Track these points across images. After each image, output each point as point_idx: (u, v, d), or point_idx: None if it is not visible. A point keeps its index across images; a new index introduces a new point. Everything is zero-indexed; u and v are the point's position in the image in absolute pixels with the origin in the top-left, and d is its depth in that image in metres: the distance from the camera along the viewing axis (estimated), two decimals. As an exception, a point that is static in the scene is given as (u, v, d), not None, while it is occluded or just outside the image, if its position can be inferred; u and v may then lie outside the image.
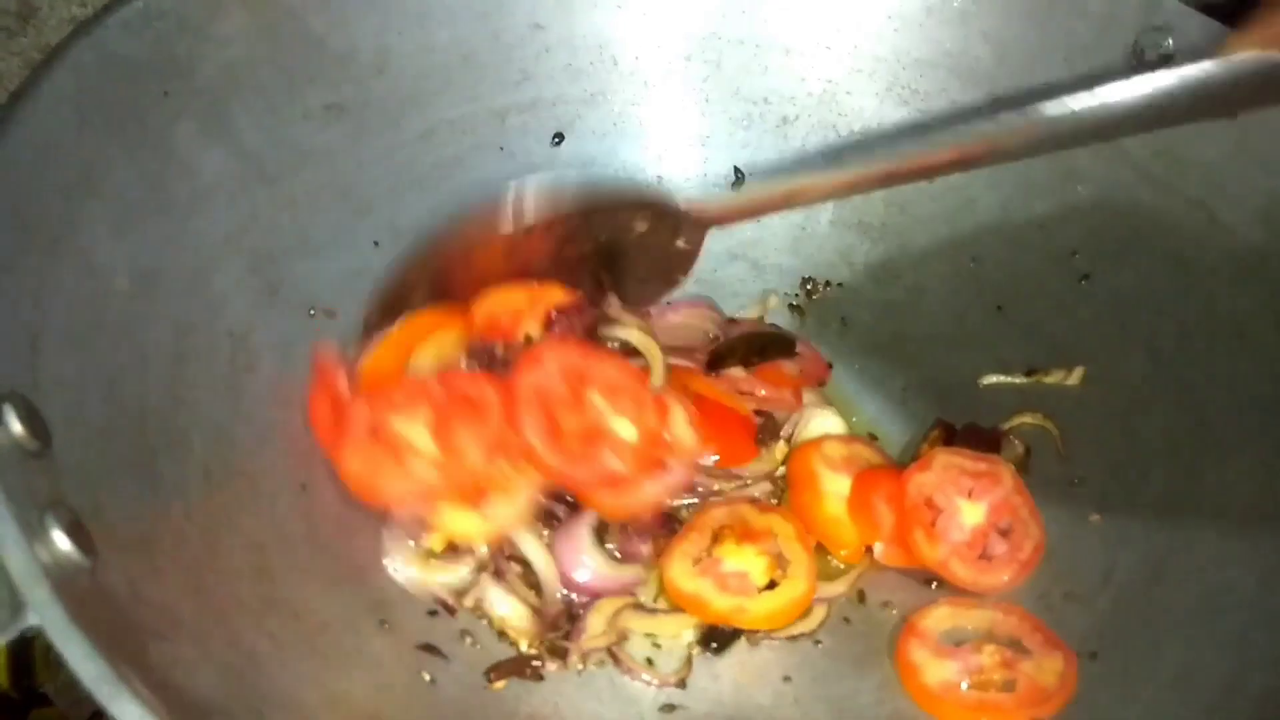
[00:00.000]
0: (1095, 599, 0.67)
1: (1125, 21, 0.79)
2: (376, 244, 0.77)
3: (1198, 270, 0.76)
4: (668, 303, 0.84)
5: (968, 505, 0.70)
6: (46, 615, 0.38)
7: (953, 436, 0.76)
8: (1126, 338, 0.77)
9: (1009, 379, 0.80)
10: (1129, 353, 0.76)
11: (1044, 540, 0.69)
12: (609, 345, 0.76)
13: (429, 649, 0.61)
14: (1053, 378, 0.79)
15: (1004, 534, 0.69)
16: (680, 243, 0.80)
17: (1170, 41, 0.78)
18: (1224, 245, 0.75)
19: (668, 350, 0.77)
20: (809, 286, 0.87)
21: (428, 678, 0.59)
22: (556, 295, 0.75)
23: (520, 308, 0.75)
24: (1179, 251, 0.77)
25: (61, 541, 0.43)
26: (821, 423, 0.77)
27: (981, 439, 0.75)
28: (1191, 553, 0.66)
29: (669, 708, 0.63)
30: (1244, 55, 0.59)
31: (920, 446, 0.77)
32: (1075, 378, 0.79)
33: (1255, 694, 0.57)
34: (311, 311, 0.72)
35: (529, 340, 0.73)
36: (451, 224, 0.78)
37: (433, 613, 0.64)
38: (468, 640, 0.63)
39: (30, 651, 0.71)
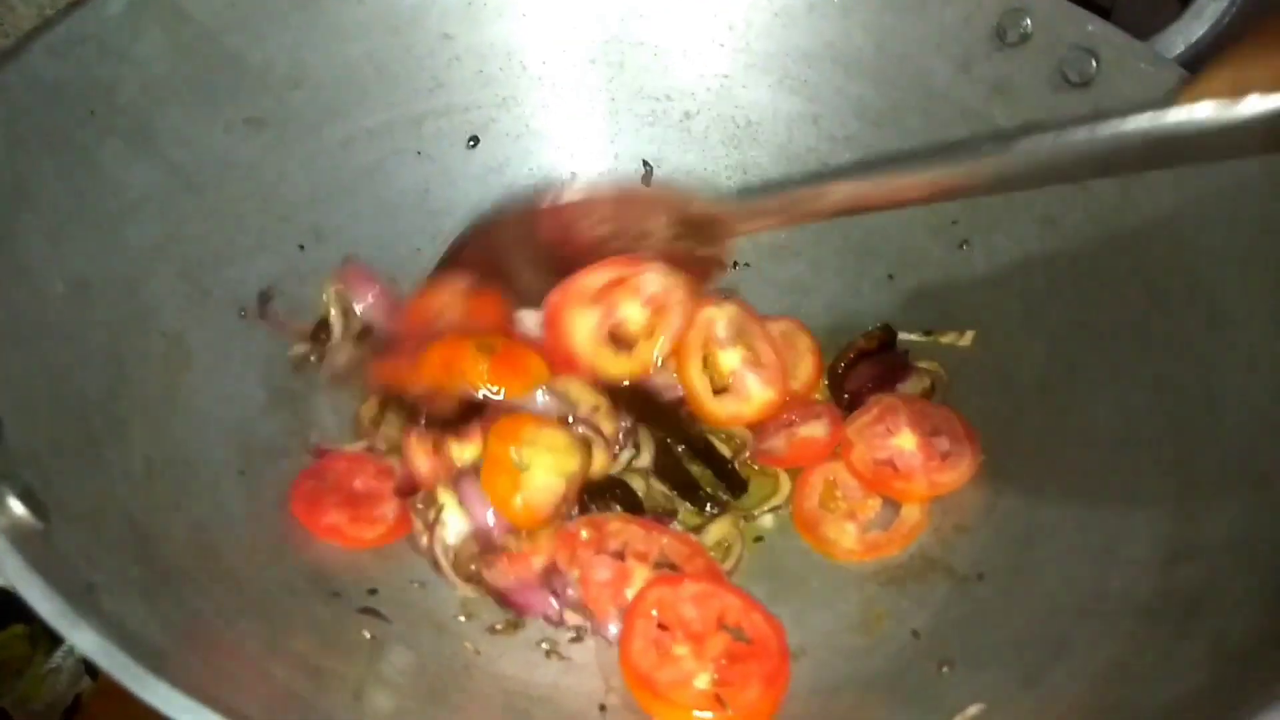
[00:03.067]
0: (981, 528, 0.73)
1: (988, 6, 0.86)
2: (301, 247, 0.82)
3: (1063, 228, 0.82)
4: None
5: (898, 440, 0.76)
6: (6, 564, 0.42)
7: (892, 339, 0.84)
8: (1002, 294, 0.83)
9: (909, 336, 0.86)
10: (1006, 308, 0.83)
11: (969, 423, 0.77)
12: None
13: (370, 612, 0.66)
14: (947, 338, 0.86)
15: (937, 434, 0.76)
16: (703, 250, 0.81)
17: (1029, 22, 0.85)
18: (1084, 204, 0.82)
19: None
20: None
21: (368, 635, 0.63)
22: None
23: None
24: (1046, 213, 0.83)
25: (16, 507, 0.47)
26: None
27: (897, 362, 0.83)
28: (1064, 480, 0.72)
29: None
30: (1204, 104, 0.58)
31: (857, 341, 0.84)
32: (967, 339, 0.85)
33: (1117, 593, 0.63)
34: (241, 312, 0.76)
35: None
36: (496, 210, 0.84)
37: (373, 591, 0.68)
38: (408, 604, 0.68)
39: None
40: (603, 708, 0.63)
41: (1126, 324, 0.77)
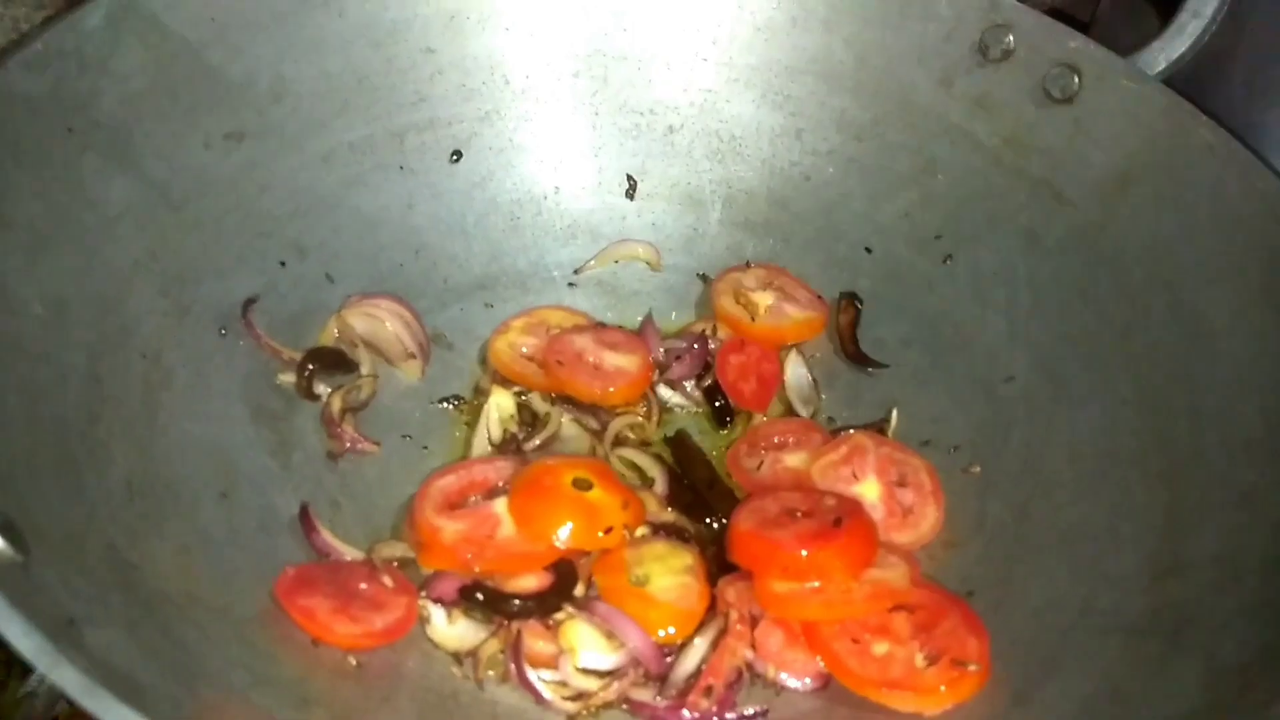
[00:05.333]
0: (970, 544, 0.73)
1: (970, 21, 0.86)
2: (283, 264, 0.81)
3: (1046, 244, 0.83)
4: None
5: (861, 487, 0.74)
6: (-15, 601, 0.41)
7: (859, 308, 0.86)
8: (986, 309, 0.84)
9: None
10: (989, 323, 0.83)
11: (933, 467, 0.75)
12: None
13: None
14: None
15: (903, 485, 0.75)
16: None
17: (1011, 38, 0.86)
18: (1068, 220, 0.82)
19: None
20: (704, 281, 0.93)
21: (354, 662, 0.62)
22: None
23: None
24: (1029, 228, 0.84)
25: (-3, 541, 0.46)
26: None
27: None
28: (1051, 495, 0.73)
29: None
30: None
31: (837, 319, 0.85)
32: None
33: (1106, 610, 0.64)
34: (222, 330, 0.75)
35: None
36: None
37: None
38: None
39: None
40: None
41: (1110, 338, 0.77)
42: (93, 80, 0.72)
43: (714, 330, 0.85)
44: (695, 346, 0.83)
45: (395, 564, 0.68)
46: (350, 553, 0.69)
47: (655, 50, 0.93)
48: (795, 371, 0.84)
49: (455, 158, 0.90)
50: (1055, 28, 0.84)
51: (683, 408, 0.83)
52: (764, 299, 0.86)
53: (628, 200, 0.93)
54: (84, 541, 0.55)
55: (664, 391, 0.82)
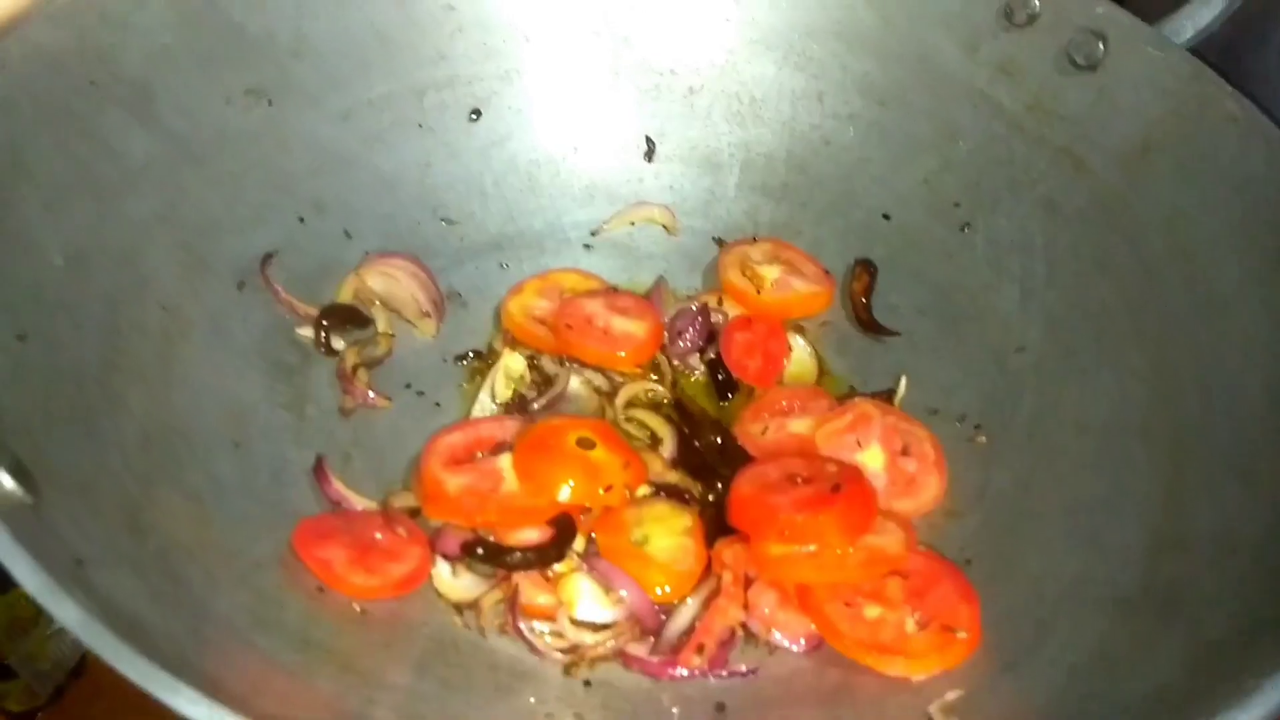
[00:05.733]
0: (971, 513, 0.73)
1: (996, -17, 0.85)
2: (301, 219, 0.82)
3: (1065, 213, 0.82)
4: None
5: (864, 455, 0.74)
6: (-7, 537, 0.43)
7: (873, 275, 0.85)
8: (1002, 278, 0.83)
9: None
10: (1004, 292, 0.82)
11: (937, 438, 0.75)
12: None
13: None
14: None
15: (906, 454, 0.75)
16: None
17: (1037, 2, 0.84)
18: (1089, 189, 0.81)
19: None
20: (720, 245, 0.93)
21: (358, 609, 0.64)
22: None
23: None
24: (1048, 197, 0.83)
25: (6, 481, 0.47)
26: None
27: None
28: (1055, 467, 0.73)
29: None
30: None
31: (851, 285, 0.85)
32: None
33: (1101, 582, 0.64)
34: (240, 284, 0.77)
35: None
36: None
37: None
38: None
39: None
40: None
41: (1123, 310, 0.77)
42: (116, 35, 0.73)
43: (719, 301, 0.86)
44: (699, 322, 0.83)
45: (408, 514, 0.70)
46: (361, 503, 0.71)
47: (677, 10, 0.92)
48: (799, 354, 0.84)
49: (474, 116, 0.90)
50: (1085, -6, 0.82)
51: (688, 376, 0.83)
52: (770, 272, 0.86)
53: (646, 162, 0.94)
54: (96, 486, 0.57)
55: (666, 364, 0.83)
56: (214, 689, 0.44)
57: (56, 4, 0.71)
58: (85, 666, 0.77)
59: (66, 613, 0.43)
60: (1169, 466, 0.67)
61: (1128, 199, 0.79)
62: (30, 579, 0.43)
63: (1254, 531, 0.60)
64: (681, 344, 0.83)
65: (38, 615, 0.79)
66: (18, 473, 0.48)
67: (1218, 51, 0.79)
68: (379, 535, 0.67)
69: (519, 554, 0.67)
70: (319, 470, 0.71)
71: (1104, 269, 0.78)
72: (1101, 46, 0.80)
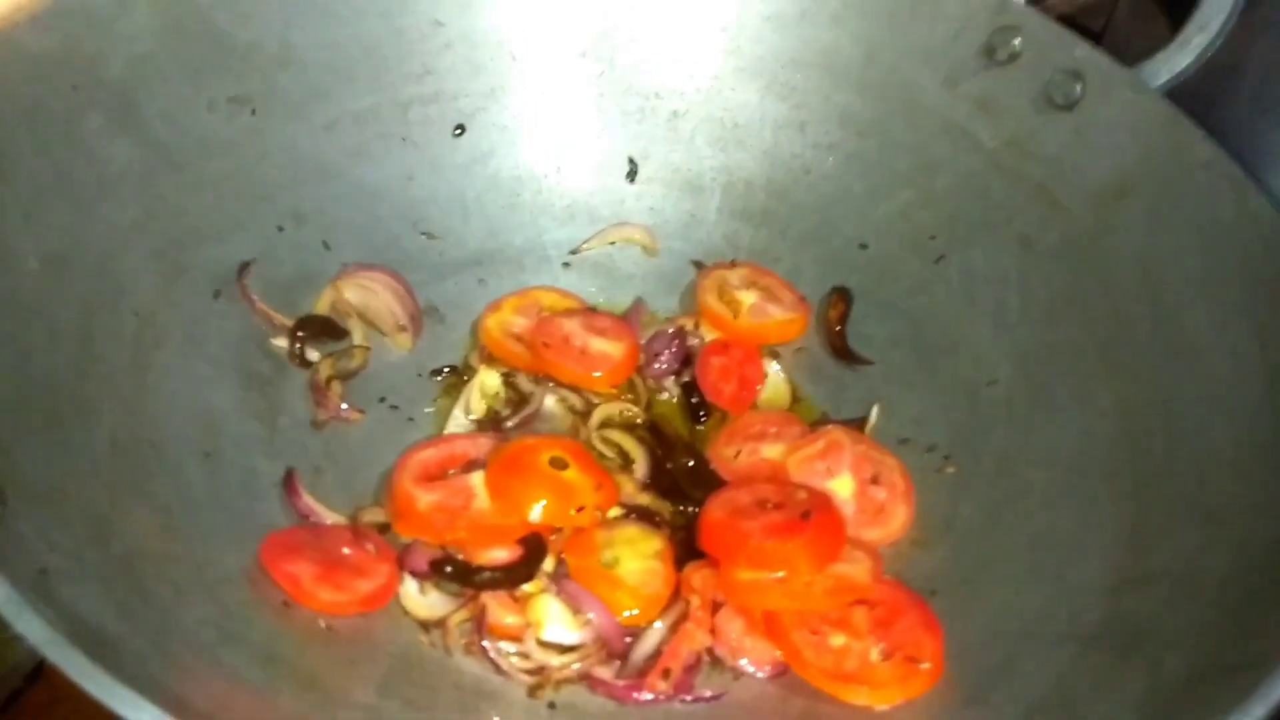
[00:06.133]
0: (938, 544, 0.74)
1: (978, 22, 0.86)
2: (280, 229, 0.82)
3: (1039, 250, 0.83)
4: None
5: (834, 483, 0.74)
6: (-44, 547, 0.43)
7: (849, 304, 0.86)
8: (975, 312, 0.84)
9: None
10: (977, 325, 0.83)
11: (906, 468, 0.76)
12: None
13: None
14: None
15: (876, 483, 0.75)
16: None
17: (1018, 41, 0.85)
18: (1063, 227, 0.82)
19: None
20: (699, 268, 0.93)
21: (324, 624, 0.64)
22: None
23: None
24: (1024, 233, 0.84)
25: (-28, 488, 0.47)
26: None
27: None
28: (1023, 501, 0.73)
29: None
30: None
31: (827, 313, 0.86)
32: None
33: (1064, 618, 0.64)
34: (216, 294, 0.76)
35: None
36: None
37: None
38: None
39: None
40: None
41: (1093, 348, 0.78)
42: (100, 40, 0.73)
43: (696, 325, 0.86)
44: (675, 345, 0.83)
45: (377, 530, 0.70)
46: (331, 517, 0.71)
47: (663, 34, 0.93)
48: (774, 380, 0.85)
49: (458, 132, 0.90)
50: (1062, 34, 0.84)
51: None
52: (747, 297, 0.87)
53: (628, 183, 0.94)
54: (64, 496, 0.56)
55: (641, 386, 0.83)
56: (179, 707, 0.44)
57: (41, 7, 0.70)
58: (42, 672, 0.76)
59: (33, 628, 0.42)
60: (1133, 505, 0.68)
61: (1100, 239, 0.80)
62: (-7, 590, 0.43)
63: (1215, 573, 0.61)
64: (657, 366, 0.83)
65: (-2, 620, 0.78)
66: (-15, 481, 0.48)
67: (1191, 97, 0.81)
68: (347, 550, 0.67)
69: (488, 573, 0.67)
70: (289, 483, 0.71)
71: (1075, 307, 0.79)
72: (1080, 88, 0.82)
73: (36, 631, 0.43)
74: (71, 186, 0.69)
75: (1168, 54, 0.80)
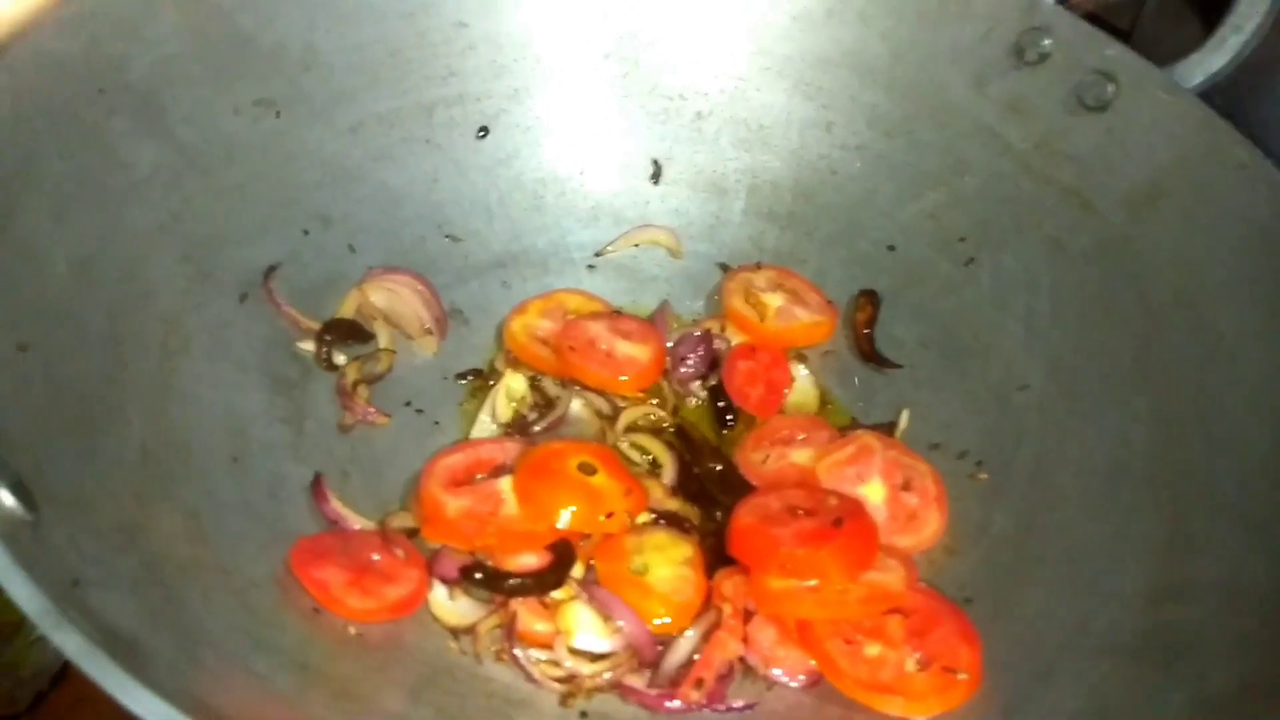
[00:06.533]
0: (971, 551, 0.73)
1: (1007, 23, 0.85)
2: (306, 232, 0.81)
3: (1070, 252, 0.82)
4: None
5: (865, 488, 0.74)
6: (-7, 558, 0.43)
7: (877, 306, 0.85)
8: (1006, 315, 0.83)
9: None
10: (1008, 329, 0.82)
11: (939, 473, 0.75)
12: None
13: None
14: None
15: (908, 489, 0.74)
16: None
17: (1048, 42, 0.84)
18: (1095, 230, 0.82)
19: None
20: (724, 270, 0.92)
21: (353, 631, 0.63)
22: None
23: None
24: (1055, 236, 0.83)
25: (5, 498, 0.47)
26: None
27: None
28: (1058, 508, 0.73)
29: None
30: None
31: (854, 316, 0.85)
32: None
33: (1101, 629, 0.64)
34: (243, 297, 0.76)
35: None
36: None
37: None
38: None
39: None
40: None
41: (1128, 354, 0.77)
42: (126, 43, 0.73)
43: (722, 328, 0.85)
44: (702, 348, 0.82)
45: (405, 535, 0.69)
46: (359, 522, 0.70)
47: (688, 35, 0.92)
48: (802, 383, 0.84)
49: (482, 134, 0.90)
50: (1093, 34, 0.83)
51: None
52: (774, 300, 0.86)
53: (652, 185, 0.93)
54: (94, 503, 0.56)
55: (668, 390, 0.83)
56: (211, 716, 0.43)
57: (67, 11, 0.70)
58: (67, 673, 0.76)
59: (67, 640, 0.42)
60: (1171, 513, 0.67)
61: (1134, 242, 0.79)
62: (29, 603, 0.43)
63: (1258, 583, 0.60)
64: (684, 370, 0.83)
65: (21, 622, 0.78)
66: (17, 489, 0.47)
67: (1225, 97, 0.80)
68: (376, 556, 0.67)
69: (517, 580, 0.66)
70: (317, 488, 0.70)
71: (1108, 311, 0.78)
72: (1111, 88, 0.81)
73: (72, 644, 0.42)
74: (98, 190, 0.69)
75: (1202, 54, 0.79)
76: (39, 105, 0.67)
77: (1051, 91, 0.84)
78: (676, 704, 0.63)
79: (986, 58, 0.86)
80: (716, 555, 0.70)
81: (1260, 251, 0.72)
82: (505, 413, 0.79)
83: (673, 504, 0.74)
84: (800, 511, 0.69)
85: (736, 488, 0.75)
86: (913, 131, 0.89)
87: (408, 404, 0.79)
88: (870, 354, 0.85)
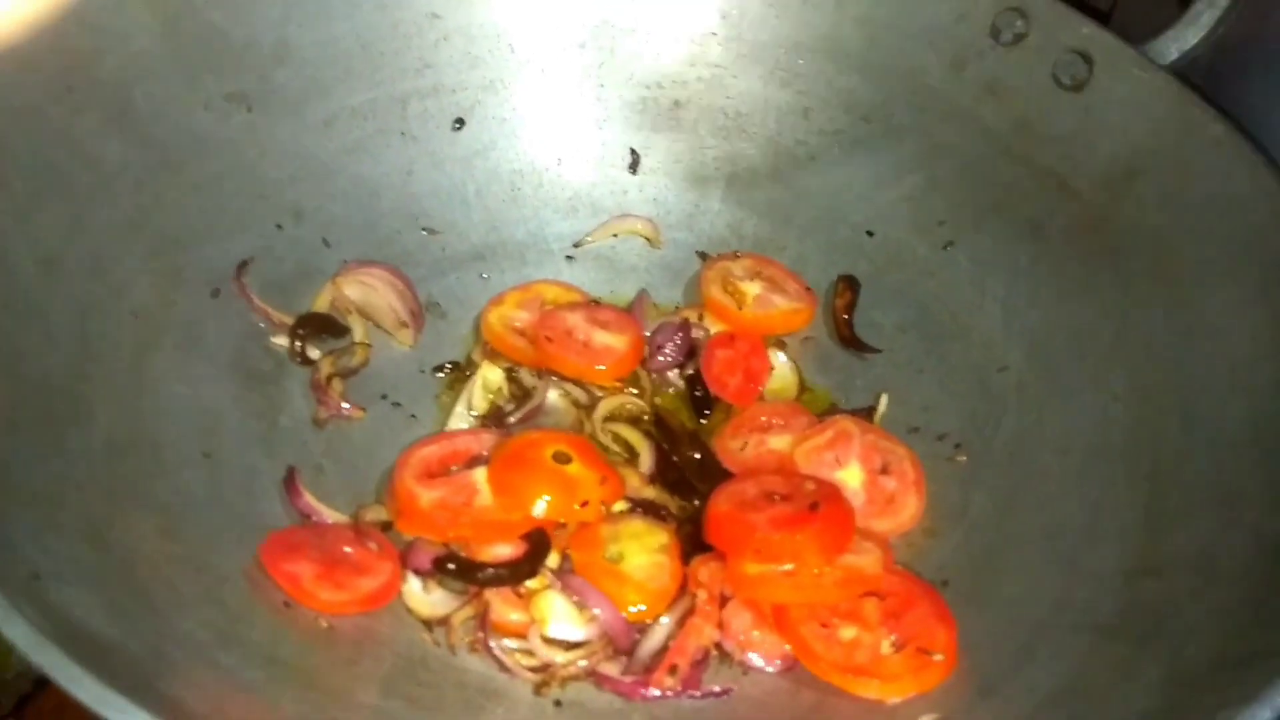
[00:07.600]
0: (950, 533, 0.72)
1: (983, 4, 0.85)
2: (279, 227, 0.81)
3: (1049, 233, 0.82)
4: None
5: (843, 473, 0.73)
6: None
7: (856, 292, 0.85)
8: (985, 298, 0.83)
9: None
10: (986, 311, 0.82)
11: (917, 456, 0.74)
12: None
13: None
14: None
15: (886, 472, 0.74)
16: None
17: (1023, 22, 0.84)
18: (1073, 210, 0.81)
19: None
20: (703, 259, 0.92)
21: (325, 624, 0.63)
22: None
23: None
24: (1033, 217, 0.83)
25: (-37, 494, 0.47)
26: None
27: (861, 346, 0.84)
28: (1034, 488, 0.72)
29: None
30: None
31: (834, 301, 0.85)
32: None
33: (1080, 607, 0.63)
34: (215, 292, 0.76)
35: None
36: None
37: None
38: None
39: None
40: None
41: (1107, 332, 0.76)
42: (94, 39, 0.72)
43: (700, 317, 0.85)
44: (680, 337, 0.82)
45: (380, 528, 0.69)
46: (333, 516, 0.70)
47: (663, 23, 0.92)
48: (781, 370, 0.83)
49: (458, 125, 0.90)
50: (1068, 13, 0.82)
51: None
52: (752, 288, 0.85)
53: (630, 174, 0.93)
54: (59, 498, 0.56)
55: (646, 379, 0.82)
56: (173, 711, 0.43)
57: (34, 7, 0.70)
58: (53, 676, 0.76)
59: (14, 629, 0.42)
60: (1149, 491, 0.67)
61: (1112, 220, 0.79)
62: (-20, 595, 0.42)
63: (1234, 560, 0.59)
64: (661, 359, 0.82)
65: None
66: (-25, 485, 0.47)
67: (1201, 74, 0.79)
68: (349, 549, 0.66)
69: (491, 570, 0.66)
70: (290, 482, 0.70)
71: (1087, 290, 0.78)
72: (1087, 68, 0.80)
73: (21, 635, 0.42)
74: (67, 187, 0.69)
75: (1176, 31, 0.79)
76: (6, 102, 0.67)
77: (1028, 72, 0.83)
78: (652, 691, 0.63)
79: (963, 39, 0.86)
80: (694, 542, 0.70)
81: (1237, 227, 0.72)
82: (481, 404, 0.78)
83: (649, 492, 0.73)
84: (776, 496, 0.69)
85: (715, 475, 0.75)
86: (890, 115, 0.89)
87: (384, 397, 0.79)
88: (850, 339, 0.85)
